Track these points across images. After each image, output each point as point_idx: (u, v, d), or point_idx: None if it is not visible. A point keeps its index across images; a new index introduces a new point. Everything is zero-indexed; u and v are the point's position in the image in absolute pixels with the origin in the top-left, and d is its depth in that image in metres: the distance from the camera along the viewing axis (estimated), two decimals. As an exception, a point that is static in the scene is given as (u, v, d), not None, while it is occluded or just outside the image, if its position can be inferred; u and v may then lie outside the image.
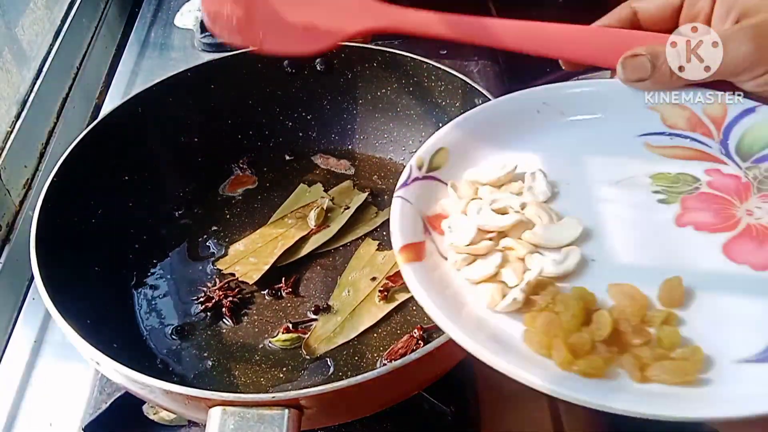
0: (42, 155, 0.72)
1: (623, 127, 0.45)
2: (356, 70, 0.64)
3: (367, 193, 0.63)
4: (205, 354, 0.53)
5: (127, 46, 0.89)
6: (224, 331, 0.55)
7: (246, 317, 0.55)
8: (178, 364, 0.53)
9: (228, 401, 0.39)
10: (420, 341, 0.52)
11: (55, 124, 0.75)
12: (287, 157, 0.67)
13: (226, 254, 0.59)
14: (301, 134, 0.67)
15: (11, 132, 0.68)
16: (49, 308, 0.44)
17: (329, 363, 0.52)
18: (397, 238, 0.41)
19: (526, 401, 0.53)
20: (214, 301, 0.55)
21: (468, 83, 0.57)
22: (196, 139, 0.65)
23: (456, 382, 0.52)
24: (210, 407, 0.40)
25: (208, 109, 0.64)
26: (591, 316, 0.35)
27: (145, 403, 0.52)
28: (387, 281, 0.56)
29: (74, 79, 0.80)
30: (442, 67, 0.58)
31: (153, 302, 0.56)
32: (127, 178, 0.60)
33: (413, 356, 0.41)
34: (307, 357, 0.52)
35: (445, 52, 0.78)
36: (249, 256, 0.59)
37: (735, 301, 0.36)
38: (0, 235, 0.63)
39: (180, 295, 0.57)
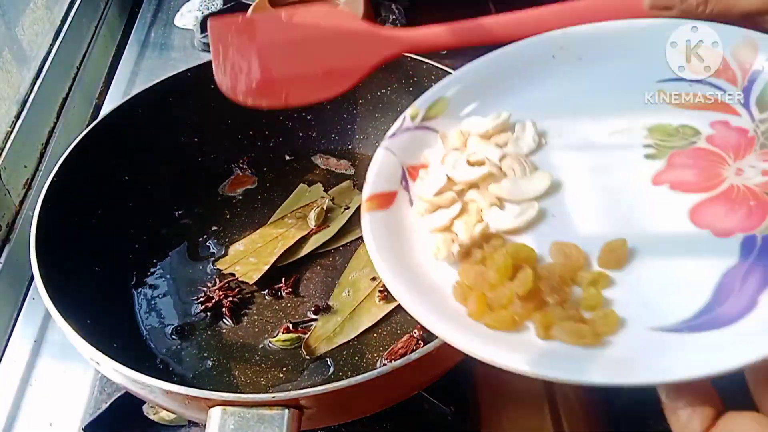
0: (42, 155, 0.72)
1: (643, 73, 0.42)
2: (356, 70, 0.64)
3: (367, 193, 0.63)
4: (205, 354, 0.53)
5: (127, 46, 0.89)
6: (224, 331, 0.55)
7: (246, 317, 0.55)
8: (178, 364, 0.53)
9: (228, 401, 0.39)
10: (420, 341, 0.52)
11: (55, 124, 0.75)
12: (287, 157, 0.67)
13: (226, 254, 0.59)
14: (301, 134, 0.67)
15: (11, 132, 0.68)
16: (49, 308, 0.44)
17: (329, 363, 0.52)
18: (367, 188, 0.41)
19: (526, 401, 0.53)
20: (214, 301, 0.55)
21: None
22: (196, 139, 0.65)
23: (456, 382, 0.52)
24: (210, 407, 0.40)
25: (208, 109, 0.64)
26: (518, 272, 0.35)
27: (145, 403, 0.52)
28: (387, 281, 0.56)
29: (74, 79, 0.80)
30: (442, 67, 0.58)
31: (153, 302, 0.56)
32: (127, 178, 0.60)
33: (413, 356, 0.41)
34: (307, 357, 0.52)
35: (445, 52, 0.78)
36: (249, 256, 0.59)
37: (676, 267, 0.34)
38: (0, 235, 0.63)
39: (180, 295, 0.57)
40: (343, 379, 0.40)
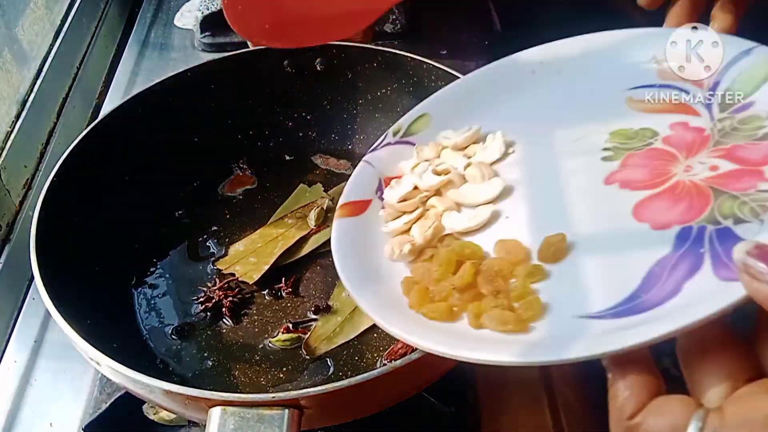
0: (42, 155, 0.72)
1: (615, 82, 0.44)
2: (356, 70, 0.64)
3: (367, 193, 0.63)
4: (205, 354, 0.53)
5: (127, 46, 0.89)
6: (224, 331, 0.55)
7: (246, 317, 0.55)
8: (178, 364, 0.53)
9: (228, 401, 0.39)
10: (420, 341, 0.52)
11: (55, 124, 0.75)
12: (287, 157, 0.67)
13: (226, 254, 0.59)
14: (301, 134, 0.67)
15: (11, 132, 0.68)
16: (49, 308, 0.44)
17: (329, 363, 0.52)
18: (342, 197, 0.45)
19: (526, 401, 0.53)
20: (214, 301, 0.55)
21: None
22: (196, 139, 0.65)
23: (456, 382, 0.52)
24: (210, 407, 0.40)
25: (208, 109, 0.64)
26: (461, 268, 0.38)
27: (145, 403, 0.52)
28: (387, 281, 0.56)
29: (74, 79, 0.80)
30: (442, 67, 0.58)
31: (153, 302, 0.56)
32: (127, 178, 0.60)
33: (413, 356, 0.41)
34: (307, 357, 0.52)
35: (445, 52, 0.78)
36: (249, 256, 0.59)
37: (611, 259, 0.35)
38: (0, 235, 0.63)
39: (180, 294, 0.57)
40: (343, 379, 0.40)
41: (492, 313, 0.35)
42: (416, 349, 0.39)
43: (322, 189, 0.64)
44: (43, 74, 0.74)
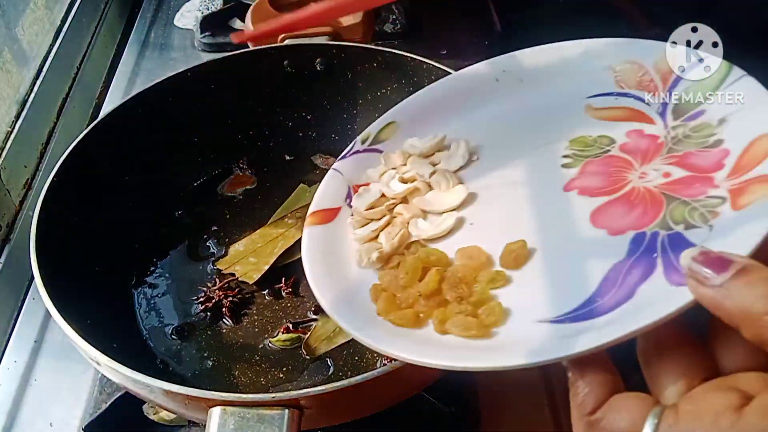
0: (42, 155, 0.72)
1: (575, 91, 0.45)
2: (356, 70, 0.64)
3: (367, 193, 0.63)
4: (205, 354, 0.53)
5: (127, 46, 0.89)
6: (224, 331, 0.55)
7: (246, 317, 0.55)
8: (178, 364, 0.53)
9: (228, 401, 0.39)
10: (420, 341, 0.52)
11: (55, 124, 0.75)
12: (287, 157, 0.67)
13: (226, 254, 0.59)
14: (301, 134, 0.67)
15: (11, 132, 0.68)
16: (49, 308, 0.44)
17: (329, 363, 0.52)
18: (312, 206, 0.46)
19: (526, 401, 0.53)
20: (214, 301, 0.55)
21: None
22: (196, 139, 0.65)
23: (456, 382, 0.52)
24: (210, 407, 0.40)
25: (208, 109, 0.64)
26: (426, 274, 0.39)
27: (145, 403, 0.52)
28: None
29: (74, 79, 0.80)
30: (442, 67, 0.58)
31: (153, 302, 0.56)
32: (127, 178, 0.60)
33: (413, 356, 0.41)
34: (307, 357, 0.52)
35: (445, 52, 0.78)
36: (249, 256, 0.59)
37: (570, 265, 0.36)
38: (0, 235, 0.63)
39: (180, 294, 0.57)
40: (343, 379, 0.40)
41: (456, 319, 0.36)
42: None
43: (322, 189, 0.64)
44: (43, 74, 0.74)
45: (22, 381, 0.57)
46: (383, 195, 0.46)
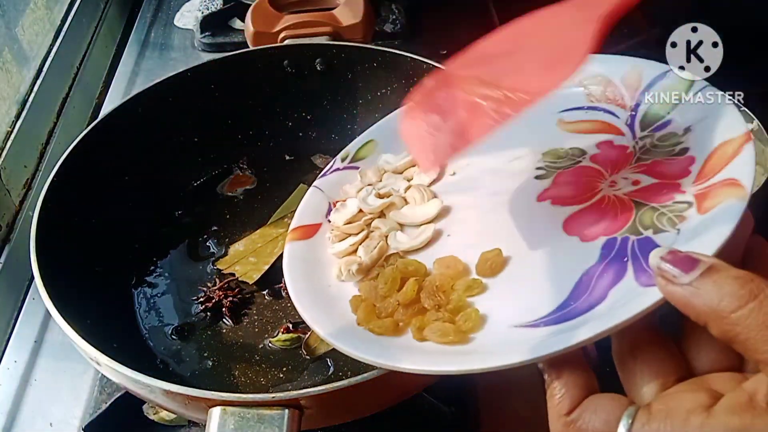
0: (42, 155, 0.72)
1: (547, 107, 0.46)
2: (356, 70, 0.64)
3: (367, 193, 0.63)
4: (205, 354, 0.53)
5: (127, 46, 0.89)
6: (224, 331, 0.55)
7: (246, 317, 0.55)
8: (178, 364, 0.53)
9: (228, 401, 0.39)
10: (420, 341, 0.52)
11: (55, 124, 0.75)
12: (287, 157, 0.67)
13: (226, 254, 0.59)
14: (301, 134, 0.67)
15: (11, 132, 0.68)
16: (49, 308, 0.44)
17: (329, 363, 0.52)
18: (293, 222, 0.48)
19: (525, 402, 0.53)
20: (214, 301, 0.55)
21: (468, 83, 0.57)
22: (196, 140, 0.65)
23: (456, 382, 0.52)
24: (210, 407, 0.40)
25: (208, 109, 0.64)
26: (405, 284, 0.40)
27: (145, 403, 0.52)
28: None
29: (74, 79, 0.80)
30: (442, 67, 0.58)
31: (153, 302, 0.56)
32: (127, 178, 0.60)
33: (413, 356, 0.41)
34: (307, 357, 0.52)
35: (445, 52, 0.78)
36: (249, 256, 0.59)
37: (544, 271, 0.37)
38: (0, 235, 0.63)
39: (180, 294, 0.57)
40: (343, 379, 0.40)
41: (434, 326, 0.37)
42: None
43: (322, 189, 0.64)
44: (43, 74, 0.74)
45: (22, 381, 0.57)
46: (360, 210, 0.47)
